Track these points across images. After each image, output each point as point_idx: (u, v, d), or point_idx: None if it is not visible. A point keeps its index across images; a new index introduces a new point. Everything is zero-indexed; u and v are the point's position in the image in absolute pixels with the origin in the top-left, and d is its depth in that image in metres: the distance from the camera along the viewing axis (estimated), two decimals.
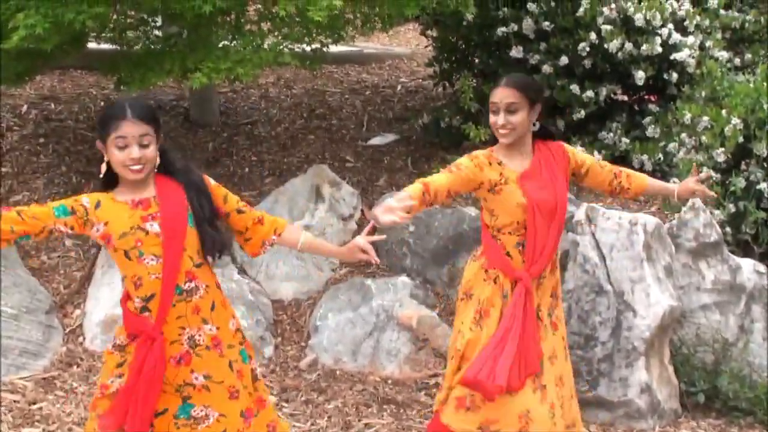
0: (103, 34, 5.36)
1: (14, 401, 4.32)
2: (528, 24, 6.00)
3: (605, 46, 5.77)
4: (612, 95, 6.11)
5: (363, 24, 5.67)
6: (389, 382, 4.67)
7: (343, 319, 4.85)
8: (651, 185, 3.84)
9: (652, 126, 5.95)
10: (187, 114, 6.93)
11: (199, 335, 2.98)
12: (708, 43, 6.07)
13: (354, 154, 6.40)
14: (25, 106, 6.64)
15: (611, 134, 6.00)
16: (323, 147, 6.48)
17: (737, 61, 6.48)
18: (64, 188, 5.75)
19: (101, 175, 2.98)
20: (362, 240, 3.10)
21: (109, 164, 2.93)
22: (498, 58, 6.24)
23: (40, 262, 5.20)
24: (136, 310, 2.94)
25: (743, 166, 5.07)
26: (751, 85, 5.38)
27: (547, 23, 5.96)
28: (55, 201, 2.97)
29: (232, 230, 3.18)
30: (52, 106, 6.72)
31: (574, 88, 5.90)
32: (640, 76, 5.82)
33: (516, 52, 6.03)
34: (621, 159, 5.67)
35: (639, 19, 5.74)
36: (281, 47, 5.15)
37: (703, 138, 5.29)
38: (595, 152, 5.67)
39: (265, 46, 5.11)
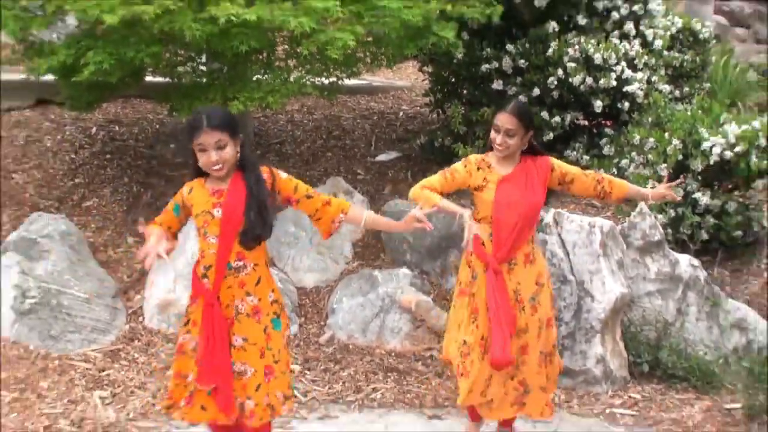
0: (158, 69, 5.33)
1: (87, 369, 4.37)
2: (507, 62, 5.99)
3: (570, 80, 5.77)
4: (575, 121, 6.11)
5: (371, 61, 5.64)
6: (393, 354, 4.68)
7: (355, 303, 4.86)
8: (629, 189, 3.66)
9: (608, 146, 5.96)
10: None
11: (242, 305, 3.00)
12: (654, 78, 6.07)
13: (364, 168, 6.35)
14: (94, 129, 6.61)
15: (574, 152, 6.00)
16: (338, 162, 6.43)
17: (677, 93, 6.49)
18: (126, 195, 5.75)
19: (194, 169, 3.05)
20: (418, 212, 3.06)
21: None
22: (482, 89, 6.20)
23: (107, 256, 5.20)
24: (199, 275, 3.01)
25: (681, 179, 5.10)
26: (689, 113, 5.42)
27: (522, 61, 5.95)
28: (170, 201, 3.10)
29: (305, 214, 3.13)
30: (116, 128, 6.65)
31: (545, 114, 5.89)
32: (598, 104, 5.84)
33: (497, 84, 6.02)
34: None
35: (598, 58, 5.75)
36: (304, 80, 5.17)
37: (650, 156, 5.31)
38: None
39: (291, 79, 5.12)
